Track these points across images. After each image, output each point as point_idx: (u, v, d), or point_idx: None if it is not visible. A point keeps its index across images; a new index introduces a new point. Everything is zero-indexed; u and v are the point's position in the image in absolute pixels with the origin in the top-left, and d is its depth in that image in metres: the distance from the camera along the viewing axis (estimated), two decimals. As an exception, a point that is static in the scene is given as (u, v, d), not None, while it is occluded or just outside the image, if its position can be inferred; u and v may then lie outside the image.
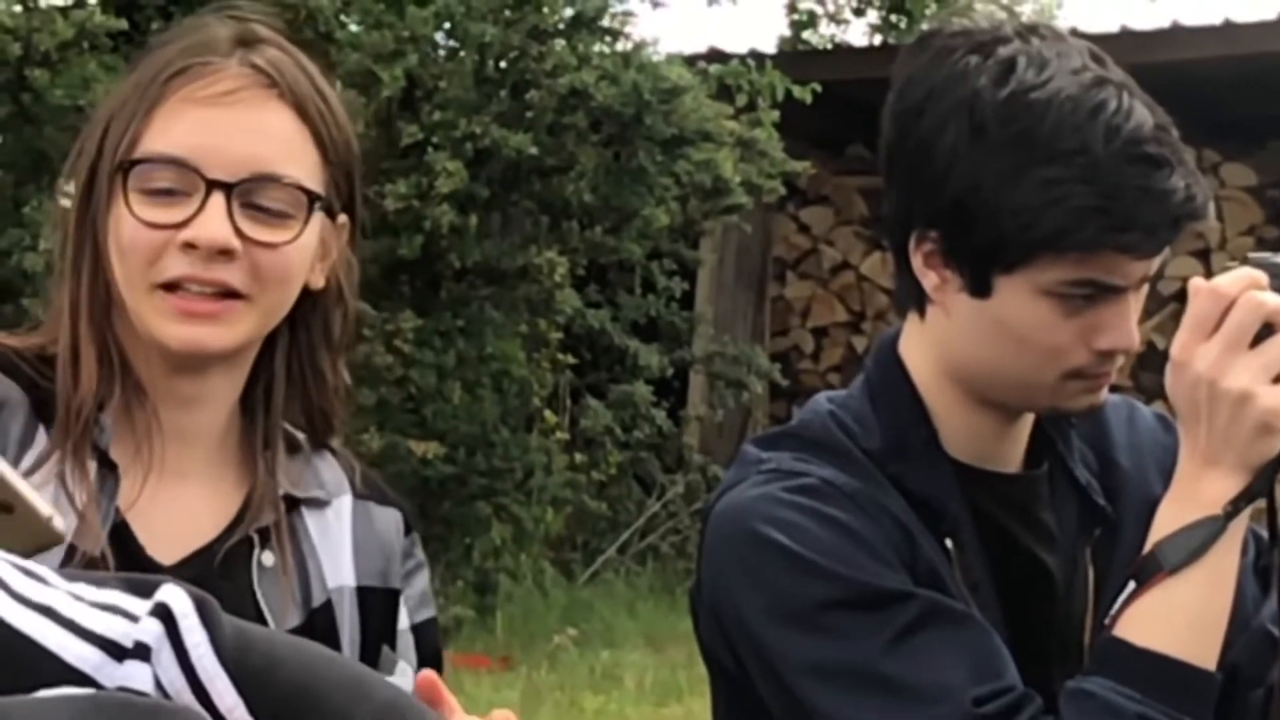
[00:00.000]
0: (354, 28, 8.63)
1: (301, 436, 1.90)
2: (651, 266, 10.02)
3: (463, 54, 8.61)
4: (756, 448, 1.97)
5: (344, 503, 1.88)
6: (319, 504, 1.86)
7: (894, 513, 1.88)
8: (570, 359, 9.77)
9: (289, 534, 1.83)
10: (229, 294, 1.75)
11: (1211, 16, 10.35)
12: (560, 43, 8.55)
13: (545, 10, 8.47)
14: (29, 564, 1.35)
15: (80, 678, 1.25)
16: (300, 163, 1.79)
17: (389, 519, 1.91)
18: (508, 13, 8.41)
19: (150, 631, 1.28)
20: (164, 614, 1.29)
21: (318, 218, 1.80)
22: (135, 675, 1.26)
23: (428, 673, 1.54)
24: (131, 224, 1.74)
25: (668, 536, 10.18)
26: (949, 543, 1.89)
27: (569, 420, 9.97)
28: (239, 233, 1.74)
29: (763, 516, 1.86)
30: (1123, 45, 7.90)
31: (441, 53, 8.80)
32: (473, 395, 8.73)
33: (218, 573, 1.76)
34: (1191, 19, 10.57)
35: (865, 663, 1.80)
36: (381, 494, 1.93)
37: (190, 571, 1.73)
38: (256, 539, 1.80)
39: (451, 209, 8.13)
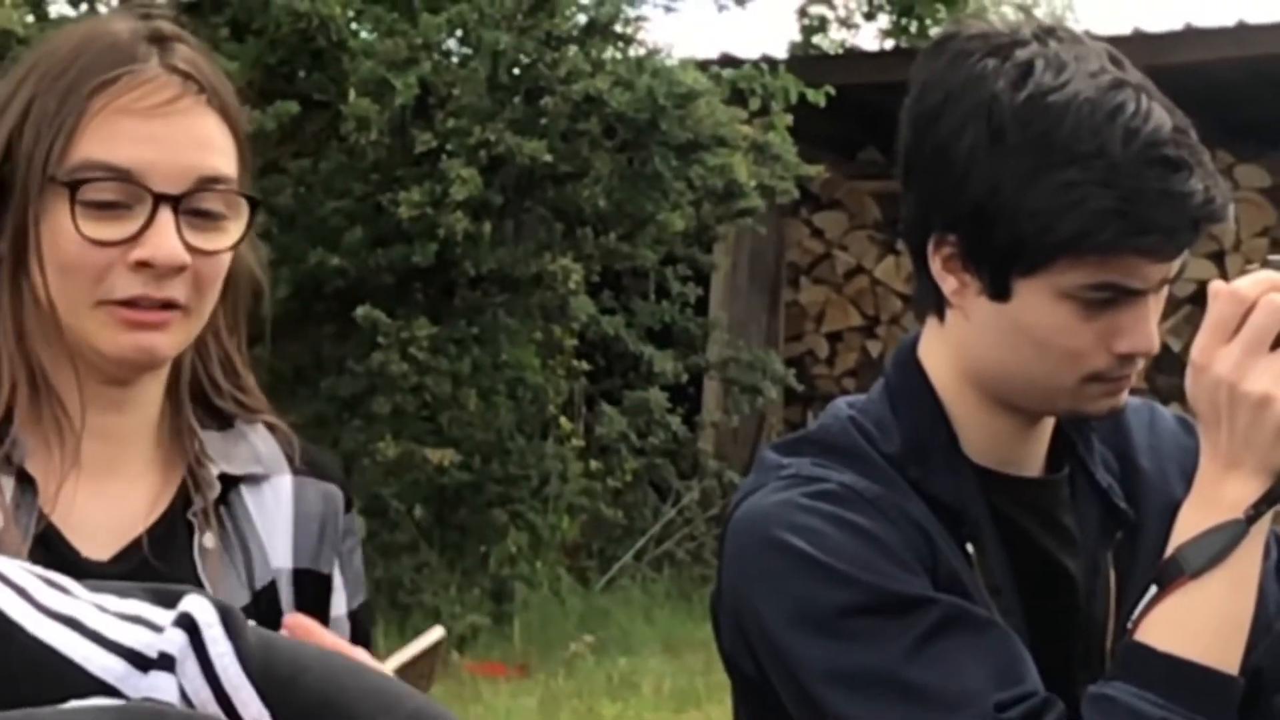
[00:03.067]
0: (366, 35, 8.65)
1: (235, 415, 1.87)
2: (665, 272, 10.03)
3: (476, 61, 8.62)
4: (776, 453, 1.97)
5: (283, 481, 1.86)
6: (256, 480, 1.85)
7: (914, 517, 1.87)
8: (585, 365, 9.77)
9: (229, 513, 1.81)
10: (172, 305, 1.74)
11: (1224, 18, 10.34)
12: (574, 49, 8.55)
13: (558, 17, 8.47)
14: (53, 575, 1.36)
15: (105, 689, 1.26)
16: (230, 164, 1.78)
17: (326, 495, 1.89)
18: (521, 19, 8.41)
19: (174, 642, 1.28)
20: (188, 624, 1.29)
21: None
22: (160, 686, 1.27)
23: (295, 616, 1.64)
24: (77, 242, 1.71)
25: (684, 543, 10.17)
26: (970, 547, 1.89)
27: (584, 427, 9.97)
28: (186, 246, 1.72)
29: (783, 522, 1.85)
30: (1136, 47, 7.86)
31: (455, 60, 8.81)
32: (488, 403, 8.74)
33: (157, 560, 1.75)
34: (1204, 21, 10.55)
35: (887, 669, 1.79)
36: (321, 470, 1.91)
37: (127, 564, 1.74)
38: (196, 522, 1.79)
39: (465, 216, 8.14)
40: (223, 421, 1.86)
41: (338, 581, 1.88)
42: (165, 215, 1.71)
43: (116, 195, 1.71)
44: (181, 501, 1.80)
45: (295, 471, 1.88)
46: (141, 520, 1.79)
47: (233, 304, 1.86)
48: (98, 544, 1.75)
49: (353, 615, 1.90)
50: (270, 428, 1.89)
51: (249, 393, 1.89)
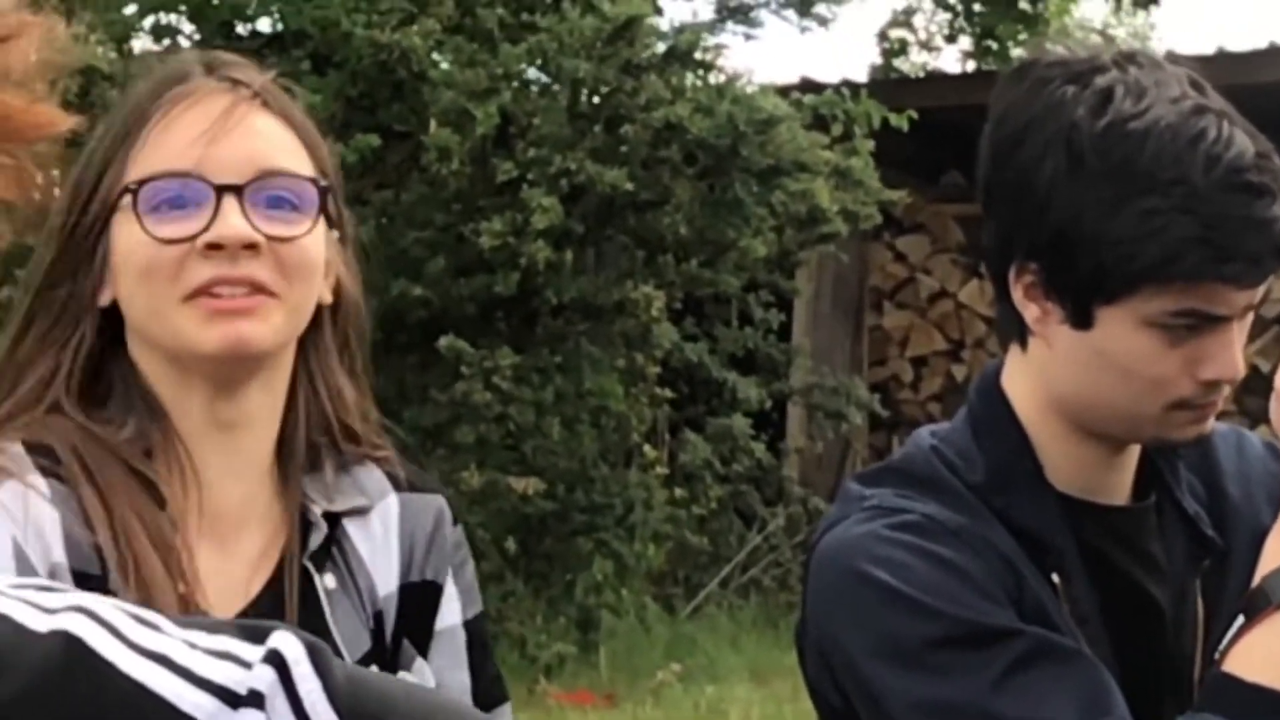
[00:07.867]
0: (447, 66, 8.68)
1: (339, 450, 1.87)
2: (748, 299, 10.02)
3: (556, 90, 8.65)
4: (859, 484, 1.96)
5: (389, 504, 1.86)
6: (361, 512, 1.84)
7: (999, 548, 1.86)
8: (668, 393, 9.77)
9: (339, 551, 1.81)
10: (259, 290, 1.75)
11: (1309, 35, 10.26)
12: (654, 77, 8.57)
13: (638, 45, 8.49)
14: (143, 611, 1.37)
15: (195, 727, 1.26)
16: (295, 161, 1.80)
17: (434, 508, 1.89)
18: (601, 48, 8.44)
19: (264, 679, 1.29)
20: (277, 661, 1.29)
21: (322, 221, 1.81)
22: (249, 724, 1.27)
23: None
24: (148, 244, 1.75)
25: (769, 569, 10.15)
26: (1055, 577, 1.88)
27: (668, 455, 9.97)
28: (259, 232, 1.75)
29: (867, 555, 1.85)
30: (1219, 67, 7.80)
31: (535, 89, 8.84)
32: (571, 431, 8.74)
33: (277, 612, 1.75)
34: (1289, 38, 10.46)
35: (973, 701, 1.79)
36: (425, 486, 1.91)
37: (258, 614, 1.73)
38: (311, 566, 1.79)
39: (547, 245, 8.16)
40: (323, 461, 1.85)
41: (450, 590, 1.88)
42: (229, 202, 1.74)
43: (179, 194, 1.75)
44: (293, 548, 1.80)
45: (399, 489, 1.88)
46: (252, 568, 1.79)
47: (343, 335, 1.88)
48: (219, 597, 1.75)
49: (468, 625, 1.89)
50: (375, 461, 1.89)
51: (366, 424, 1.89)
